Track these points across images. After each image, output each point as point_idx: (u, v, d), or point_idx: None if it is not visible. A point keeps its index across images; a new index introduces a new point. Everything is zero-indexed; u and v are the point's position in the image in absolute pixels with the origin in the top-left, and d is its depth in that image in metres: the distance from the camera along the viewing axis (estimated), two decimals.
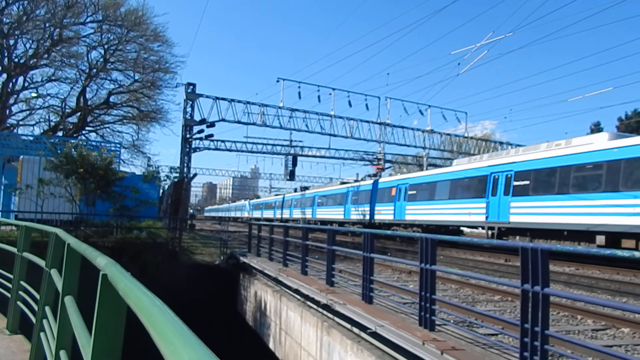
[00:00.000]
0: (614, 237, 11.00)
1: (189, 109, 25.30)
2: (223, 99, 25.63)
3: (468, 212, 15.62)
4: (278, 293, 8.82)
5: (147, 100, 27.79)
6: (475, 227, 16.36)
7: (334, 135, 28.13)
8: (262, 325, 9.75)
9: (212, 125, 25.52)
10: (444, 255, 13.55)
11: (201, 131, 25.95)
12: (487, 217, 14.83)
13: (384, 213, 20.91)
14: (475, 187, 15.57)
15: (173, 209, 19.10)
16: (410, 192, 19.32)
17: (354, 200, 24.27)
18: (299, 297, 7.88)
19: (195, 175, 31.97)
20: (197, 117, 25.38)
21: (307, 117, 27.25)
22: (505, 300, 6.60)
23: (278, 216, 36.97)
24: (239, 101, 26.01)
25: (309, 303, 7.37)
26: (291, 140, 29.93)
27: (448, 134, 33.11)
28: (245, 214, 51.29)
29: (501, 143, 35.53)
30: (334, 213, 26.32)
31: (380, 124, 29.37)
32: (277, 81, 26.51)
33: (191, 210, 59.39)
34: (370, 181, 23.99)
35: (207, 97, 25.65)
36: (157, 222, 16.86)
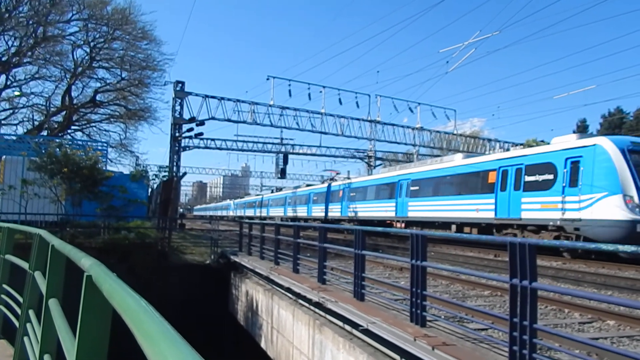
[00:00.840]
0: (460, 226, 15.84)
1: (177, 107, 25.03)
2: (213, 97, 25.41)
3: (385, 209, 20.73)
4: (270, 292, 8.79)
5: (134, 99, 27.41)
6: (392, 221, 21.04)
7: (325, 133, 28.21)
8: (253, 325, 9.71)
9: (201, 123, 25.29)
10: (435, 251, 13.68)
11: (191, 129, 25.70)
12: (395, 213, 19.89)
13: (334, 210, 26.10)
14: (389, 190, 20.75)
15: (162, 208, 18.90)
16: (350, 194, 24.63)
17: (315, 200, 29.41)
18: (290, 295, 7.86)
19: (184, 174, 31.77)
20: (186, 116, 25.12)
21: (297, 114, 27.22)
22: (495, 295, 6.67)
23: (258, 214, 42.10)
24: (229, 99, 25.84)
25: (300, 301, 7.35)
26: (282, 138, 29.95)
27: (438, 132, 33.37)
28: (231, 213, 56.54)
29: (489, 140, 35.83)
30: (300, 211, 31.36)
31: (370, 121, 29.48)
32: (267, 79, 26.43)
33: (181, 210, 59.42)
34: (325, 185, 29.22)
35: (197, 95, 25.41)
36: (146, 222, 16.66)
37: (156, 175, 21.45)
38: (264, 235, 11.45)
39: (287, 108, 27.02)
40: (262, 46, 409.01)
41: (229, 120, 25.61)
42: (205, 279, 12.94)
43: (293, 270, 8.60)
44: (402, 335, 4.48)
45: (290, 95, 26.65)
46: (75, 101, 26.67)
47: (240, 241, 13.76)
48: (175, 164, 25.02)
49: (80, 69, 25.69)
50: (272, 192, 44.91)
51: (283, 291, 8.23)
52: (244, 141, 29.82)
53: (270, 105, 26.50)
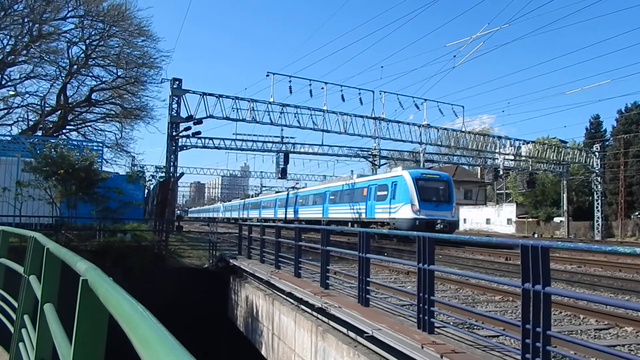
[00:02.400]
0: (352, 223, 23.58)
1: (174, 106, 24.44)
2: (210, 94, 24.76)
3: (318, 212, 28.94)
4: (270, 297, 8.61)
5: (130, 97, 27.24)
6: (321, 220, 28.10)
7: (327, 131, 27.02)
8: (253, 331, 9.51)
9: (199, 122, 24.77)
10: (443, 254, 13.45)
11: (188, 128, 25.13)
12: (322, 215, 27.97)
13: (290, 213, 33.60)
14: (320, 198, 29.42)
15: (159, 210, 18.65)
16: (299, 200, 32.76)
17: (279, 204, 37.13)
18: (292, 300, 7.67)
19: (182, 174, 31.42)
20: (183, 114, 24.50)
21: (298, 112, 26.26)
22: (507, 301, 6.48)
23: (240, 215, 49.93)
24: (227, 97, 25.04)
25: (302, 307, 7.17)
26: (282, 137, 28.86)
27: (445, 129, 31.85)
28: (220, 215, 63.20)
29: (499, 137, 34.41)
30: (269, 214, 39.35)
31: (374, 118, 28.33)
32: (267, 75, 25.32)
33: (178, 211, 59.62)
34: (285, 192, 37.52)
35: (194, 93, 24.63)
36: (143, 224, 16.47)
37: (153, 176, 21.15)
38: (264, 238, 11.25)
39: (288, 105, 26.08)
40: (261, 43, 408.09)
41: (227, 118, 24.95)
42: (203, 283, 12.71)
43: (294, 274, 8.43)
44: (409, 342, 4.33)
45: (290, 92, 25.78)
46: (70, 100, 26.48)
47: (239, 244, 13.55)
48: (172, 164, 24.63)
49: (75, 66, 25.49)
50: (252, 196, 55.22)
51: (284, 296, 8.05)
52: (243, 140, 28.87)
53: (270, 103, 25.65)
